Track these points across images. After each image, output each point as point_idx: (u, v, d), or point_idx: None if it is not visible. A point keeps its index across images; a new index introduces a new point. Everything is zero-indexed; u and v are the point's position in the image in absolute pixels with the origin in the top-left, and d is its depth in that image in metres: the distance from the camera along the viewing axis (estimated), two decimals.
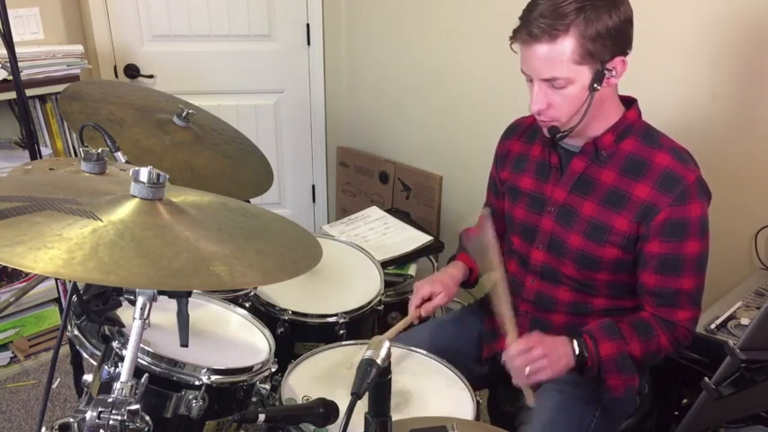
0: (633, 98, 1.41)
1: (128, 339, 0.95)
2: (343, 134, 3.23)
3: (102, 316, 1.09)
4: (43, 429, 1.09)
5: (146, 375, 1.01)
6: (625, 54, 1.30)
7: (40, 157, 2.01)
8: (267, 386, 1.31)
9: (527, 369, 1.30)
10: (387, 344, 0.93)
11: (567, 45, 1.24)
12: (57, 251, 0.83)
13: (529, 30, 1.26)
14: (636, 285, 1.41)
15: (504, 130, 1.63)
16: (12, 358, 2.55)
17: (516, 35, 1.30)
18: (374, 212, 2.51)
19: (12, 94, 2.27)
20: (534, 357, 1.30)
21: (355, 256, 1.95)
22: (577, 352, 1.33)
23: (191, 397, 1.16)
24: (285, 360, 1.40)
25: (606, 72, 1.28)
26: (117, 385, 0.93)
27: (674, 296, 1.36)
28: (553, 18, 1.23)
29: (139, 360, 1.13)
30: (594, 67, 1.27)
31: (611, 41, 1.25)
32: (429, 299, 1.59)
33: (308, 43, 3.01)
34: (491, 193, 1.70)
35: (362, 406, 0.93)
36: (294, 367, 1.40)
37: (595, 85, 1.28)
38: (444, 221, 2.84)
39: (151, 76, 2.84)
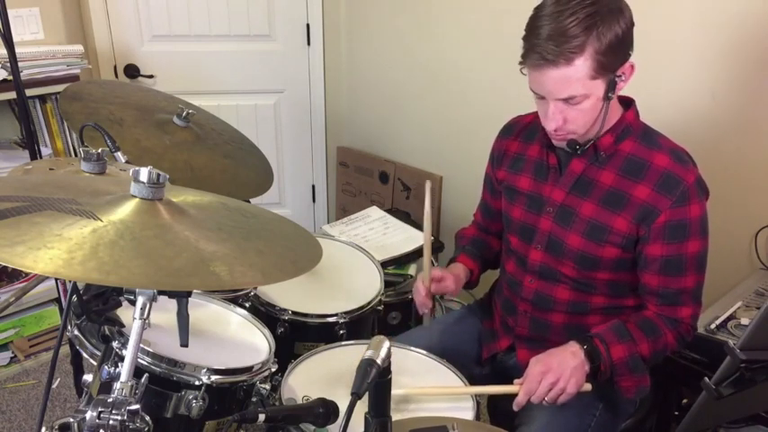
0: (631, 98, 1.41)
1: (128, 339, 0.95)
2: (343, 134, 3.23)
3: (102, 316, 1.09)
4: (43, 429, 1.09)
5: (146, 375, 1.01)
6: (629, 56, 1.29)
7: (40, 157, 2.01)
8: (267, 386, 1.31)
9: (545, 402, 1.30)
10: (387, 344, 0.93)
11: (583, 65, 1.22)
12: (57, 251, 0.83)
13: (541, 54, 1.22)
14: (635, 284, 1.41)
15: (501, 129, 1.62)
16: (12, 358, 2.55)
17: (526, 59, 1.27)
18: (374, 212, 2.51)
19: (12, 94, 2.27)
20: (544, 391, 1.30)
21: (355, 256, 1.95)
22: (588, 355, 1.32)
23: (191, 397, 1.16)
24: (285, 360, 1.40)
25: (617, 79, 1.28)
26: (117, 385, 0.93)
27: (677, 295, 1.36)
28: (565, 40, 1.20)
29: (139, 360, 1.13)
30: (608, 78, 1.26)
31: (620, 49, 1.25)
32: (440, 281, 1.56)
33: (308, 43, 3.01)
34: (487, 191, 1.69)
35: (362, 406, 0.93)
36: (294, 367, 1.40)
37: (609, 95, 1.28)
38: (444, 221, 2.84)
39: (151, 76, 2.84)
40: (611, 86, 1.27)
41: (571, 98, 1.27)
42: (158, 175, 0.99)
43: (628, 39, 1.26)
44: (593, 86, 1.26)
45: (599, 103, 1.29)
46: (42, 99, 2.47)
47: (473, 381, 1.42)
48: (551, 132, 1.35)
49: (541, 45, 1.22)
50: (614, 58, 1.24)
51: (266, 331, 1.43)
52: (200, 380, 1.17)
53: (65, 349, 2.27)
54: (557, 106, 1.29)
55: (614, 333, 1.36)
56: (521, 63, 1.29)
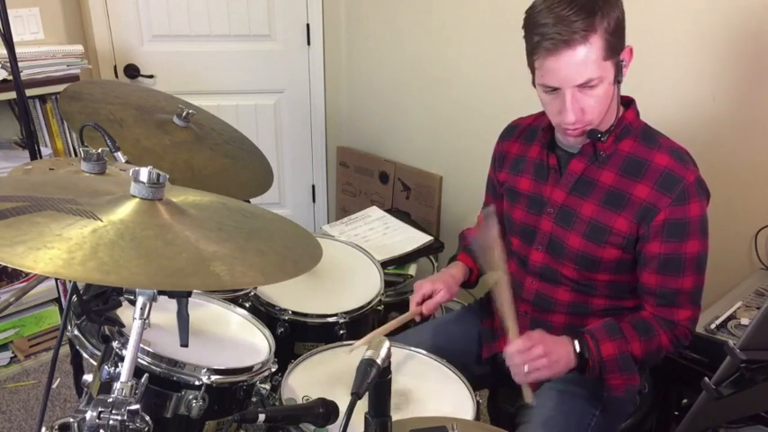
0: (631, 98, 1.41)
1: (128, 339, 0.95)
2: (343, 134, 3.23)
3: (102, 316, 1.09)
4: (43, 429, 1.09)
5: (146, 375, 1.01)
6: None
7: (40, 157, 2.01)
8: (267, 386, 1.31)
9: (525, 367, 1.30)
10: (387, 344, 0.93)
11: (597, 43, 1.22)
12: (57, 251, 0.83)
13: (554, 39, 1.21)
14: (635, 285, 1.41)
15: (502, 131, 1.63)
16: (12, 358, 2.56)
17: (538, 51, 1.25)
18: (374, 212, 2.51)
19: (12, 94, 2.27)
20: (533, 356, 1.30)
21: (355, 256, 1.95)
22: (578, 351, 1.33)
23: (191, 397, 1.16)
24: (285, 360, 1.40)
25: (621, 63, 1.29)
26: (117, 385, 0.93)
27: (674, 296, 1.36)
28: (574, 21, 1.19)
29: (139, 360, 1.13)
30: (615, 61, 1.27)
31: (621, 32, 1.27)
32: (430, 296, 1.58)
33: (308, 43, 3.01)
34: (489, 194, 1.70)
35: (362, 406, 0.93)
36: (294, 367, 1.40)
37: (619, 78, 1.29)
38: (444, 221, 2.84)
39: (151, 76, 2.84)
40: (619, 70, 1.28)
41: (589, 81, 1.25)
42: (158, 175, 0.99)
43: (624, 23, 1.28)
44: (605, 68, 1.26)
45: (611, 88, 1.29)
46: (42, 99, 2.47)
47: (473, 380, 1.42)
48: (568, 126, 1.32)
49: (552, 33, 1.22)
50: (618, 39, 1.26)
51: (266, 331, 1.43)
52: (200, 380, 1.17)
53: (65, 349, 2.26)
54: (573, 95, 1.27)
55: (606, 330, 1.36)
56: (533, 57, 1.28)
